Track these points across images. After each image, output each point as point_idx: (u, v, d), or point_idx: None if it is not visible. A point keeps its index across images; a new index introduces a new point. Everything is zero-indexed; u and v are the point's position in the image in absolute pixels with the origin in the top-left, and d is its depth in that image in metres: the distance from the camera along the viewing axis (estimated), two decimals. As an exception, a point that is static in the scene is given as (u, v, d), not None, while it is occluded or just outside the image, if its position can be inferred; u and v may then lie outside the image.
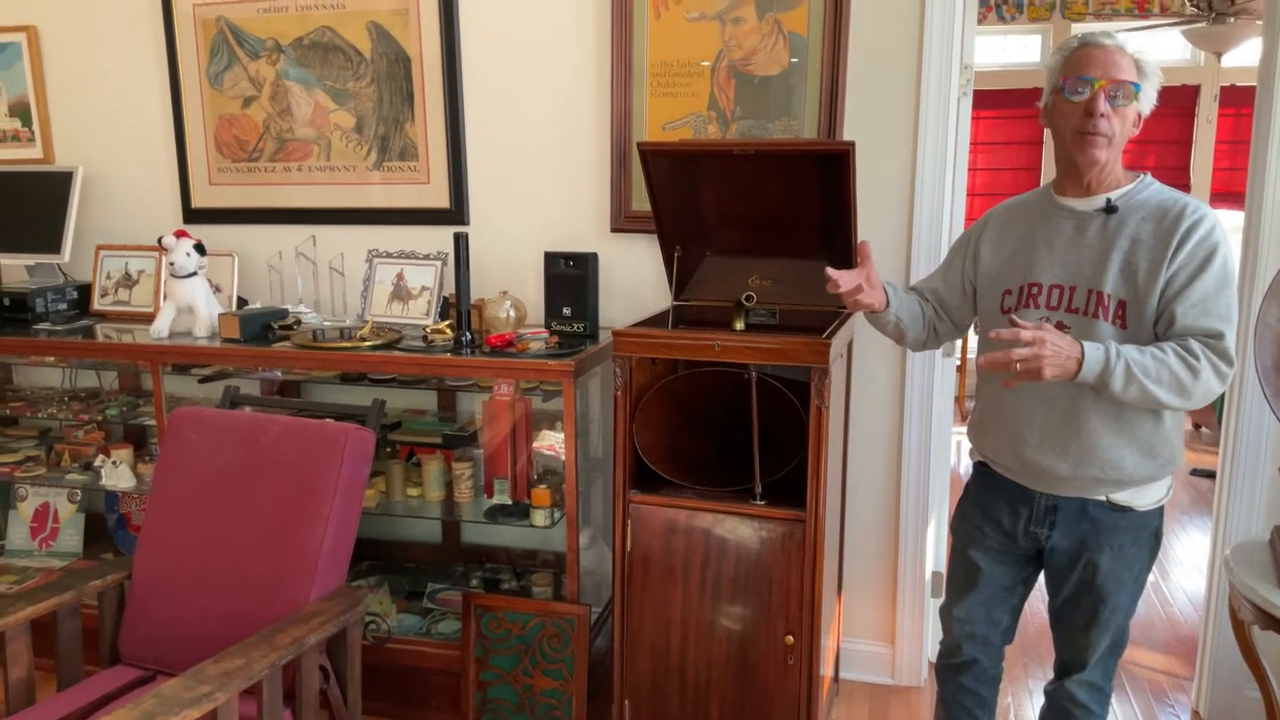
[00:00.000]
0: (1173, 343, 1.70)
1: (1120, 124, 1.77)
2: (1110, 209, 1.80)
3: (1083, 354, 1.65)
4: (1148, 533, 1.90)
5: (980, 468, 2.04)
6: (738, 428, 2.37)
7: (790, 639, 2.24)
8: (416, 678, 2.71)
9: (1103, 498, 1.85)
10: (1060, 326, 1.79)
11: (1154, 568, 3.96)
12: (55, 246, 3.20)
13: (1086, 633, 1.93)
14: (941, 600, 2.19)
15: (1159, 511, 1.90)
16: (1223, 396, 2.57)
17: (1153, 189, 1.82)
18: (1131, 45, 1.79)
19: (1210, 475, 5.08)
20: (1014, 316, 1.83)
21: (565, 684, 2.52)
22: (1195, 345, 1.68)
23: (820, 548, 2.20)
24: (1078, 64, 1.77)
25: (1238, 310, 1.74)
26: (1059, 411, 1.82)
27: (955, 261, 2.07)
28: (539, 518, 2.63)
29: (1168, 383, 1.67)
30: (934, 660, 2.26)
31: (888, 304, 1.98)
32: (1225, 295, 1.72)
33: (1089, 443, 1.80)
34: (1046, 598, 2.02)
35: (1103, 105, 1.74)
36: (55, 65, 3.35)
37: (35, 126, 3.38)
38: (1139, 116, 1.80)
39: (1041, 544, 1.93)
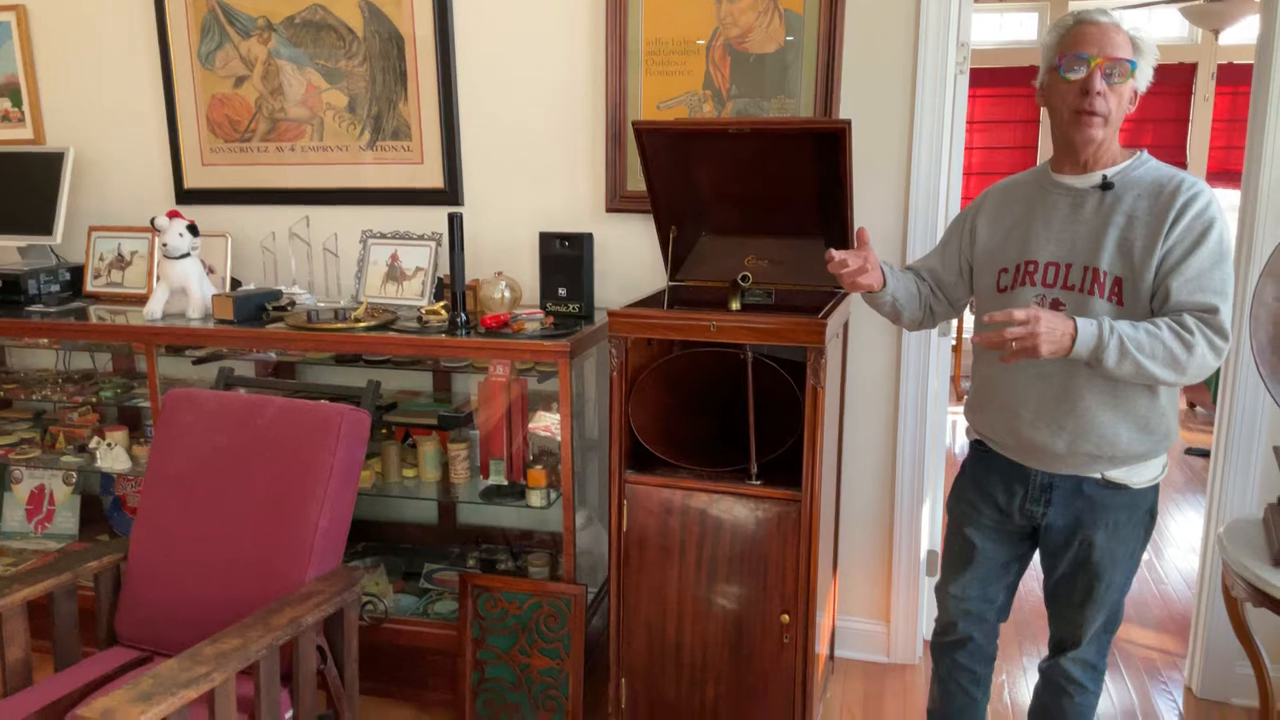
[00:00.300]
0: (1167, 318, 1.70)
1: (1116, 102, 1.76)
2: (1106, 186, 1.80)
3: (1076, 329, 1.66)
4: (1143, 510, 1.90)
5: (977, 446, 2.04)
6: (733, 408, 2.37)
7: (786, 617, 2.25)
8: (414, 658, 2.72)
9: (1098, 475, 1.86)
10: (1056, 304, 1.80)
11: (1148, 546, 3.99)
12: (47, 228, 3.18)
13: (1081, 610, 1.94)
14: (936, 579, 2.20)
15: (1154, 489, 1.91)
16: (1218, 375, 2.58)
17: (1149, 165, 1.81)
18: (1127, 22, 1.78)
19: (1204, 454, 5.10)
20: (1010, 296, 1.84)
21: (562, 663, 2.53)
22: (1190, 320, 1.68)
23: (816, 527, 2.20)
24: (1073, 42, 1.76)
25: (1234, 286, 1.74)
26: (1054, 388, 1.82)
27: (952, 240, 2.07)
28: (535, 498, 2.64)
29: (1162, 358, 1.67)
30: (929, 638, 2.27)
31: (885, 284, 1.98)
32: (1220, 270, 1.72)
33: (1084, 419, 1.81)
34: (1041, 576, 2.03)
35: (1099, 83, 1.73)
36: (45, 45, 3.31)
37: (25, 107, 3.36)
38: (1135, 94, 1.80)
39: (1037, 522, 1.94)
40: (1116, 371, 1.68)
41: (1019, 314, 1.63)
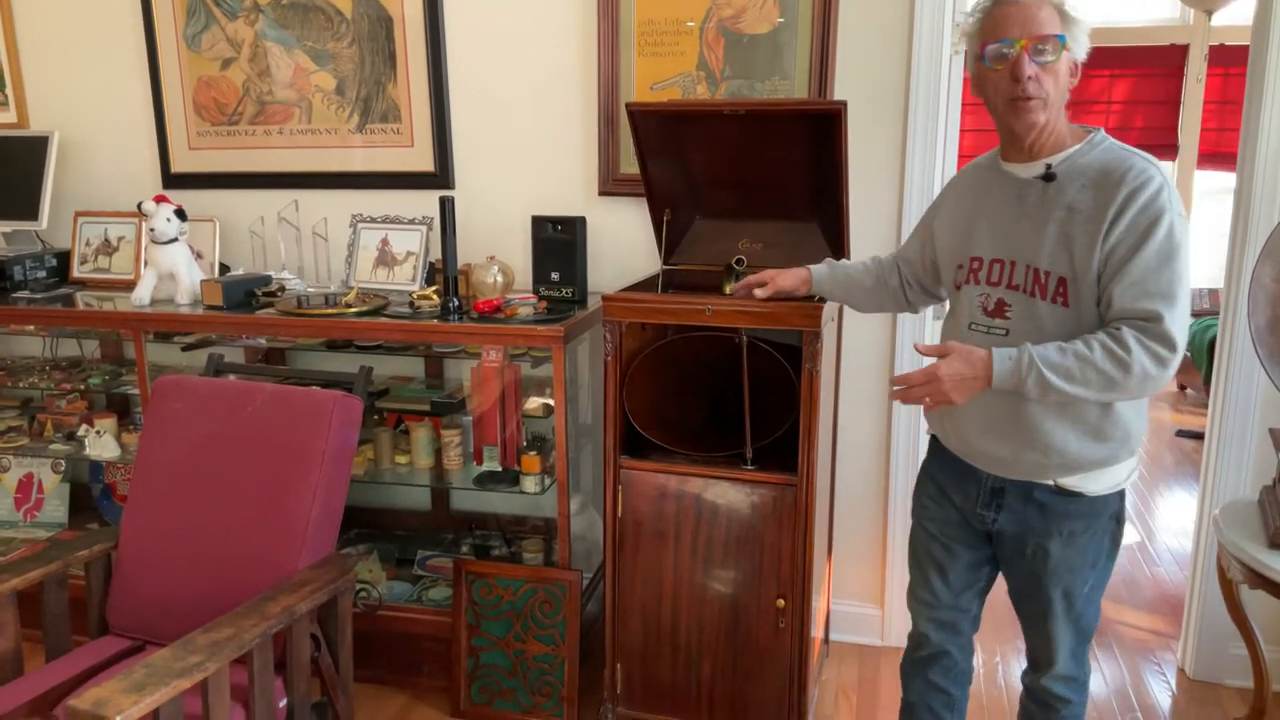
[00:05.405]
0: (1103, 334, 1.57)
1: (1053, 81, 1.61)
2: (1048, 177, 1.65)
3: (991, 369, 1.58)
4: (1104, 518, 1.75)
5: (934, 441, 1.94)
6: (728, 392, 2.36)
7: (781, 602, 2.25)
8: (408, 645, 2.71)
9: (1050, 482, 1.72)
10: (1000, 304, 1.70)
11: (1139, 528, 3.99)
12: (33, 213, 3.14)
13: (1046, 624, 1.81)
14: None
15: (1117, 496, 1.75)
16: (1211, 356, 2.57)
17: (1100, 149, 1.65)
18: None
19: (1195, 436, 5.13)
20: (959, 294, 1.80)
21: (557, 649, 2.52)
22: (1128, 334, 1.54)
23: (811, 511, 2.19)
24: (995, 26, 1.62)
25: (1186, 283, 1.57)
26: (997, 396, 1.66)
27: (920, 232, 2.01)
28: (529, 484, 2.62)
29: (1096, 382, 1.55)
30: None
31: (810, 286, 2.13)
32: (1168, 270, 1.55)
33: (1029, 426, 1.68)
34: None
35: (1029, 67, 1.59)
36: (28, 27, 3.26)
37: (9, 90, 3.31)
38: (1075, 66, 1.65)
39: (989, 527, 1.81)
40: (1043, 401, 1.61)
41: (914, 376, 1.62)
